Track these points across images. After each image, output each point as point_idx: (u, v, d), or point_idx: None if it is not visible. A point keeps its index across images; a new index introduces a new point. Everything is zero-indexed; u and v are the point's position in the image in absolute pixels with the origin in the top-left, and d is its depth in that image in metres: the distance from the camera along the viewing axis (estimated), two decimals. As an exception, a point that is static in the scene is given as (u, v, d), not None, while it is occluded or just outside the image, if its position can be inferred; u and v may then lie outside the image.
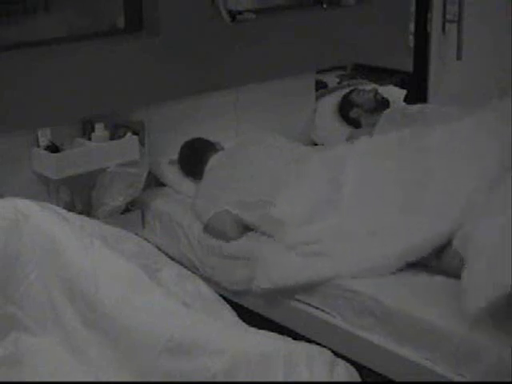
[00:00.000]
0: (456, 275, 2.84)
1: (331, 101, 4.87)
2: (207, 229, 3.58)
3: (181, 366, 2.32)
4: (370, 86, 4.95)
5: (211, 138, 4.11)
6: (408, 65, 5.38)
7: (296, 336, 2.58)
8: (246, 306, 3.37)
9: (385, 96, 4.71)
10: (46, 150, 3.60)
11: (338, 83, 5.45)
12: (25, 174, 3.63)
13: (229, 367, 2.26)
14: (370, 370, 2.96)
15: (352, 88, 4.86)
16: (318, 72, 5.00)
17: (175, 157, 4.10)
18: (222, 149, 4.05)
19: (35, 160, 3.64)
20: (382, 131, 4.17)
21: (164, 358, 2.34)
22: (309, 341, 2.51)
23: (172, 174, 4.10)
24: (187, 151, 4.07)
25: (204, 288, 2.82)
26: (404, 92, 5.06)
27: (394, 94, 4.98)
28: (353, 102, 4.70)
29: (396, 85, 5.29)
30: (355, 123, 4.64)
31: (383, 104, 4.61)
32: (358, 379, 2.34)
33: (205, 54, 4.11)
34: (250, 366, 2.26)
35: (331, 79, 5.48)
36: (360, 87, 4.86)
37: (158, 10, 3.93)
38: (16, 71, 3.50)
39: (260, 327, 2.48)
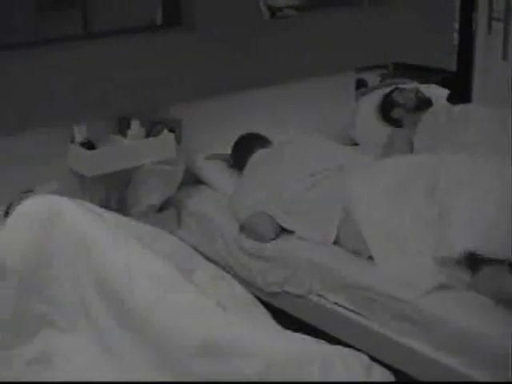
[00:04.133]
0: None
1: (372, 100, 4.80)
2: (243, 229, 3.54)
3: (215, 368, 2.29)
4: (411, 85, 4.87)
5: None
6: (452, 64, 5.30)
7: (332, 340, 2.53)
8: (281, 307, 3.31)
9: (427, 95, 4.63)
10: (81, 146, 3.57)
11: (380, 82, 5.38)
12: (60, 170, 3.60)
13: (263, 370, 2.23)
14: (405, 374, 2.90)
15: (393, 87, 4.79)
16: (358, 70, 4.93)
17: (212, 152, 4.08)
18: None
19: (70, 156, 3.61)
20: (424, 131, 4.10)
21: (198, 360, 2.31)
22: (346, 345, 2.46)
23: (209, 170, 4.06)
24: (241, 142, 4.03)
25: (239, 289, 2.81)
26: (447, 91, 4.98)
27: (437, 93, 4.89)
28: (394, 102, 4.63)
29: (439, 84, 5.20)
30: (396, 123, 4.57)
31: (425, 103, 4.53)
32: (394, 383, 2.30)
33: (243, 50, 4.05)
34: (284, 369, 2.23)
35: (372, 78, 5.41)
36: (401, 86, 4.78)
37: (196, 5, 3.89)
38: (53, 66, 3.48)
39: (295, 330, 2.45)
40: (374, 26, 4.58)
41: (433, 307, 2.88)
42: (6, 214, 2.91)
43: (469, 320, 2.78)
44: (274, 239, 3.45)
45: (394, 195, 3.26)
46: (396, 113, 4.59)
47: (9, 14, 3.58)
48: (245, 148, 3.96)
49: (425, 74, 5.50)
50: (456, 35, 5.19)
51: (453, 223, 3.03)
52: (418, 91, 4.60)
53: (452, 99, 4.90)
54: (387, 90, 4.78)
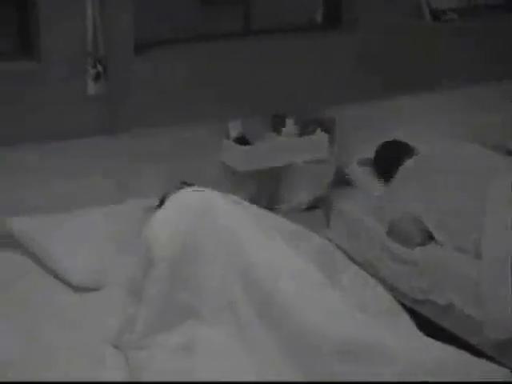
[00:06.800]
0: None
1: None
2: (391, 233, 3.50)
3: (350, 370, 2.29)
4: None
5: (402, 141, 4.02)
6: None
7: (476, 352, 2.47)
8: (425, 314, 3.26)
9: None
10: (235, 142, 3.63)
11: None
12: (214, 164, 3.67)
13: (400, 375, 2.21)
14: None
15: None
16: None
17: (364, 157, 4.03)
18: (418, 154, 3.94)
19: (224, 151, 3.67)
20: None
21: (334, 360, 2.31)
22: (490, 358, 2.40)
23: (361, 174, 4.03)
24: (384, 151, 3.99)
25: (383, 293, 2.79)
26: None
27: None
28: None
29: None
30: None
31: None
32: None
33: (402, 54, 4.01)
34: (421, 375, 2.20)
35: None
36: None
37: (357, 5, 3.88)
38: (212, 62, 3.56)
39: (439, 339, 2.40)
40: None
41: None
42: (160, 204, 2.98)
43: None
44: (420, 245, 3.41)
45: None
46: None
47: (173, 9, 3.68)
48: (390, 158, 3.91)
49: None
50: None
51: None
52: None
53: None
54: None
